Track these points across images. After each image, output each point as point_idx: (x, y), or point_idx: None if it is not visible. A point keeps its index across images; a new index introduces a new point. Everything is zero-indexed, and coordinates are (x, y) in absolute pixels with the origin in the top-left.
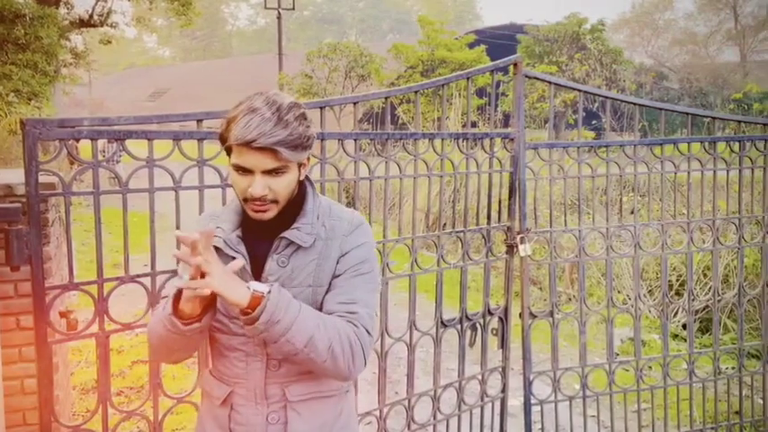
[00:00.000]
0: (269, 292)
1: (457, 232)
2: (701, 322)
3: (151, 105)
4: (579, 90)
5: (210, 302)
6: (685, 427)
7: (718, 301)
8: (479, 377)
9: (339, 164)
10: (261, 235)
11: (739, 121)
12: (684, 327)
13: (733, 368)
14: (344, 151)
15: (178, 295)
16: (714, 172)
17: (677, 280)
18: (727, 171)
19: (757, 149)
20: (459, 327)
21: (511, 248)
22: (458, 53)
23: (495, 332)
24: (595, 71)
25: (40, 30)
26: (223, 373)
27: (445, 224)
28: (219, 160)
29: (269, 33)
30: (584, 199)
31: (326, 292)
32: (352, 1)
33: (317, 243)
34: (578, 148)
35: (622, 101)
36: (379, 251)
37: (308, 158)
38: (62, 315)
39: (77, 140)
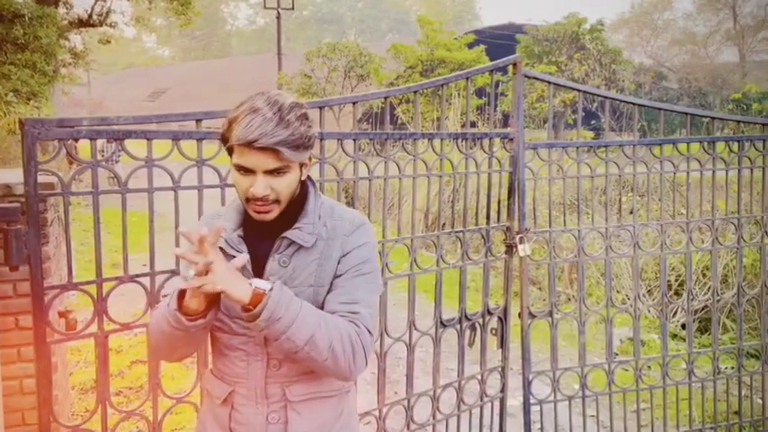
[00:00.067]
0: (271, 289)
1: (456, 232)
2: (700, 322)
3: (150, 105)
4: (578, 90)
5: (215, 299)
6: (684, 427)
7: (718, 300)
8: (479, 377)
9: (338, 164)
10: (262, 234)
11: (738, 121)
12: (683, 327)
13: (732, 368)
14: (344, 151)
15: (182, 292)
16: (713, 172)
17: (676, 280)
18: (727, 171)
19: (756, 149)
20: (458, 327)
21: (510, 248)
22: (457, 53)
23: (494, 332)
24: (594, 71)
25: (38, 29)
26: (224, 373)
27: (444, 224)
28: (218, 160)
29: (268, 33)
30: (584, 199)
31: (328, 292)
32: (351, 1)
33: (318, 243)
34: (577, 148)
35: (621, 101)
36: (379, 251)
37: (310, 158)
38: (61, 315)
39: (76, 140)
